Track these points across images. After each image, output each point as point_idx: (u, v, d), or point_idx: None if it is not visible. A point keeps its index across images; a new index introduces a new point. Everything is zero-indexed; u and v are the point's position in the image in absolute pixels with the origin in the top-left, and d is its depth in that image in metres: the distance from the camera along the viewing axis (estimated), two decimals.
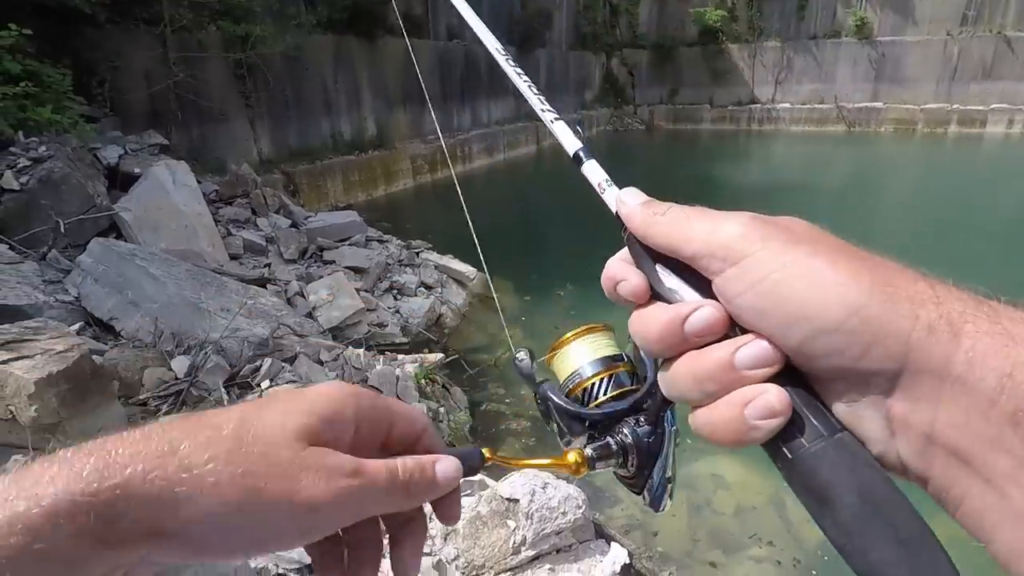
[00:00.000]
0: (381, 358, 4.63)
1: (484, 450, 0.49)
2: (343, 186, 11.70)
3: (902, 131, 20.87)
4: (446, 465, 0.45)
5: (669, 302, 0.40)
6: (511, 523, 2.75)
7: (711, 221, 0.38)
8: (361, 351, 4.51)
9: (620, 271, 0.42)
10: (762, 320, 0.35)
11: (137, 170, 5.87)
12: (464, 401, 4.81)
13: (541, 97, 0.58)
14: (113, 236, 4.98)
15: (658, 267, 0.41)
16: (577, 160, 0.50)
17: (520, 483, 2.86)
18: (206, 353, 3.58)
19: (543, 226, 10.44)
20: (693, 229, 0.38)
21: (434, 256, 7.35)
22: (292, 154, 11.03)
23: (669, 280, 0.40)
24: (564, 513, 2.76)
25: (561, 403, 0.50)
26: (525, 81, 0.60)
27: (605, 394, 0.49)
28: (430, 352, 5.21)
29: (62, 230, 4.66)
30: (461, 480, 0.47)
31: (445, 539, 2.85)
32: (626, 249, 0.44)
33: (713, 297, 0.37)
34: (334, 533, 0.45)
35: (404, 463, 0.43)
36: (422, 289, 6.61)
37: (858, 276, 0.33)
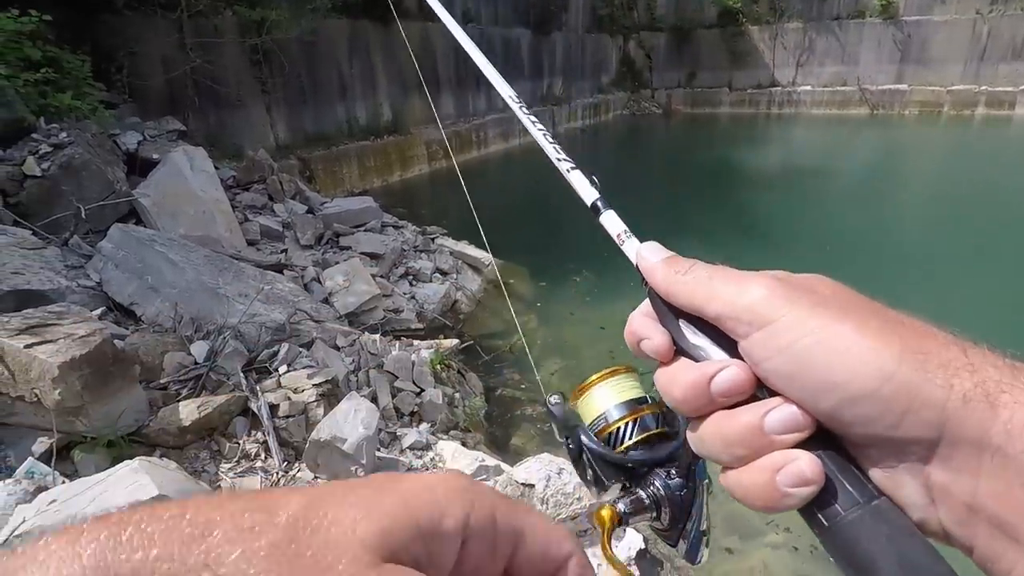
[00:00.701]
0: (397, 343, 4.65)
1: None
2: (359, 172, 11.72)
3: (927, 114, 20.37)
4: None
5: (695, 359, 0.39)
6: None
7: (735, 282, 0.38)
8: (377, 336, 4.54)
9: (643, 328, 0.42)
10: (791, 385, 0.34)
11: (155, 156, 5.92)
12: (479, 387, 4.83)
13: (556, 146, 0.58)
14: (133, 222, 5.03)
15: (682, 323, 0.40)
16: (595, 211, 0.51)
17: (536, 468, 2.87)
18: (224, 338, 3.62)
19: (559, 212, 10.39)
20: (717, 290, 0.38)
21: (449, 242, 7.35)
22: (308, 140, 11.06)
23: (694, 337, 0.40)
24: (579, 499, 2.76)
25: (600, 450, 0.49)
26: (541, 130, 0.61)
27: (631, 438, 0.48)
28: (445, 338, 5.23)
29: (83, 216, 4.72)
30: None
31: None
32: (647, 302, 0.44)
33: (738, 355, 0.37)
34: None
35: None
36: (437, 275, 6.62)
37: (888, 342, 0.32)
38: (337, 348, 4.24)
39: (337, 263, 5.88)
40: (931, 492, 0.32)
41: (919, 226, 9.61)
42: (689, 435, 0.40)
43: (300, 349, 3.88)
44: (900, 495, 0.33)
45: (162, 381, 3.29)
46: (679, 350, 0.40)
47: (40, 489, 2.26)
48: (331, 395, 3.47)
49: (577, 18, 20.80)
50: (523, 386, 5.06)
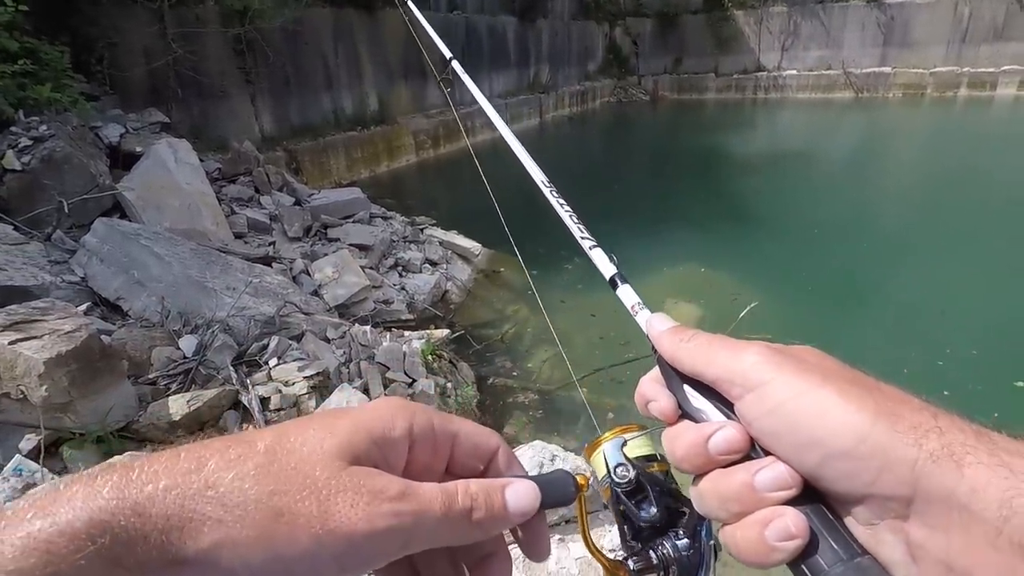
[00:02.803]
0: (388, 335, 4.64)
1: (579, 477, 0.46)
2: (346, 163, 11.62)
3: (911, 96, 20.51)
4: (519, 491, 0.41)
5: (696, 420, 0.42)
6: None
7: (731, 349, 0.41)
8: (367, 328, 4.52)
9: (651, 391, 0.46)
10: (779, 443, 0.37)
11: (139, 148, 5.84)
12: (471, 376, 4.83)
13: (581, 226, 0.63)
14: (117, 216, 4.97)
15: (686, 387, 0.43)
16: (613, 284, 0.55)
17: (528, 455, 2.88)
18: (213, 332, 3.59)
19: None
20: (715, 356, 0.41)
21: (438, 232, 7.32)
22: (294, 131, 10.94)
23: (696, 401, 0.43)
24: None
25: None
26: (567, 212, 0.67)
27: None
28: (436, 328, 5.22)
29: (66, 210, 4.65)
30: (547, 510, 0.43)
31: None
32: (656, 368, 0.47)
33: (735, 418, 0.40)
34: (405, 571, 0.42)
35: (467, 487, 0.38)
36: (427, 265, 6.60)
37: (863, 405, 0.35)
38: (327, 340, 4.22)
39: (326, 255, 5.84)
40: (911, 549, 0.33)
41: (904, 208, 9.69)
42: (691, 491, 0.43)
43: (290, 342, 3.86)
44: (883, 553, 0.35)
45: (151, 376, 3.26)
46: (683, 412, 0.44)
47: (28, 486, 2.24)
48: (322, 387, 3.46)
49: (563, 5, 20.66)
50: (515, 374, 5.07)
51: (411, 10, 1.66)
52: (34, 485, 2.23)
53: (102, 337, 2.97)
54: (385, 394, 3.89)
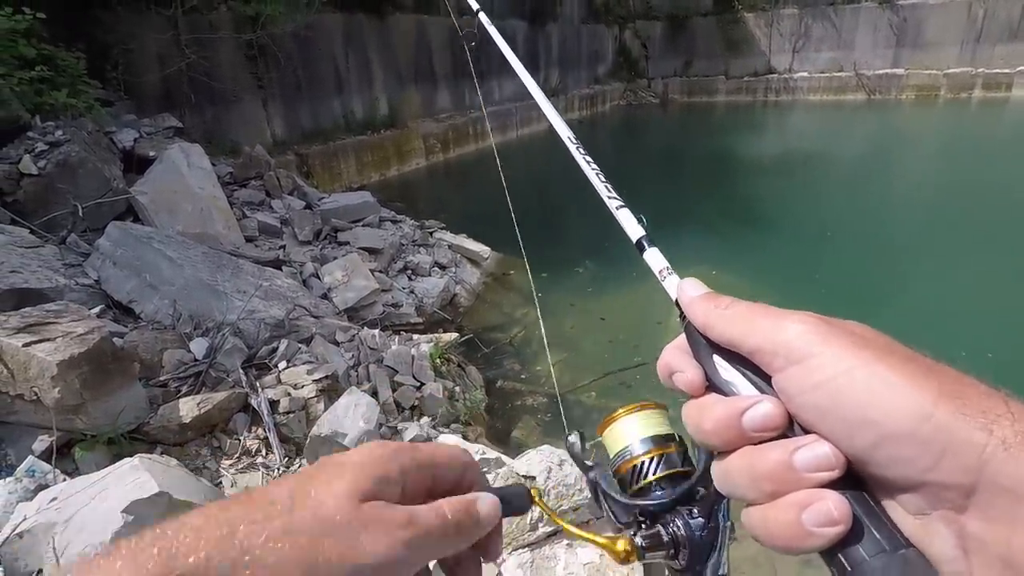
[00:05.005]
0: (396, 338, 4.65)
1: (532, 489, 0.50)
2: (356, 167, 11.68)
3: (924, 97, 20.30)
4: (485, 502, 0.46)
5: (726, 394, 0.39)
6: None
7: (774, 318, 0.38)
8: (376, 331, 4.54)
9: (676, 361, 0.43)
10: (824, 421, 0.34)
11: (152, 153, 5.90)
12: (479, 379, 4.83)
13: (608, 185, 0.61)
14: (130, 219, 5.02)
15: (716, 358, 0.40)
16: (640, 247, 0.53)
17: (537, 460, 2.88)
18: (224, 335, 3.62)
19: (559, 203, 10.37)
20: (755, 324, 0.39)
21: (448, 236, 7.33)
22: (305, 135, 11.02)
23: (727, 373, 0.40)
24: (581, 490, 2.76)
25: (612, 494, 0.50)
26: (594, 169, 0.64)
27: (654, 474, 0.48)
28: (445, 331, 5.23)
29: (80, 214, 4.71)
30: (506, 518, 0.48)
31: None
32: (682, 336, 0.44)
33: (772, 392, 0.37)
34: None
35: (449, 504, 0.43)
36: (436, 269, 6.62)
37: (926, 385, 0.32)
38: (336, 343, 4.24)
39: (335, 258, 5.87)
40: (965, 542, 0.31)
41: (918, 211, 9.60)
42: (714, 467, 0.40)
43: (299, 345, 3.88)
44: (932, 547, 0.32)
45: (162, 378, 3.29)
46: (711, 385, 0.41)
47: (41, 487, 2.26)
48: (331, 390, 3.48)
49: (573, 8, 20.67)
50: (523, 377, 5.07)
51: None
52: (46, 486, 2.25)
53: (114, 340, 3.00)
54: (395, 397, 3.90)
